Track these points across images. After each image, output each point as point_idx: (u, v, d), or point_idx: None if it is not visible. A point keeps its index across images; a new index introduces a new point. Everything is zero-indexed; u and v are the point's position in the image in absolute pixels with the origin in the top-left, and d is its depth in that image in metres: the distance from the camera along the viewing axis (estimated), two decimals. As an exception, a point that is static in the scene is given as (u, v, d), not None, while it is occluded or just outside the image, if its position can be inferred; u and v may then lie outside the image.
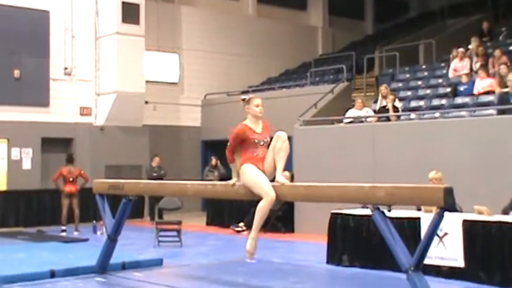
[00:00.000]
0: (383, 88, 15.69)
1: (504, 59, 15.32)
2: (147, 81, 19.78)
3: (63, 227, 15.39)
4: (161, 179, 16.21)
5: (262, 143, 7.41)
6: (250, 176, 7.29)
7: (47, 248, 12.00)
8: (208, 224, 17.50)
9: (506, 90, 13.53)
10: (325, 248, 10.95)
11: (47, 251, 11.46)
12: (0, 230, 16.17)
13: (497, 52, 15.77)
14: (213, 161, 19.21)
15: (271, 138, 7.43)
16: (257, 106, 7.44)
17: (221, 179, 7.25)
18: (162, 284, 8.96)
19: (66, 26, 18.95)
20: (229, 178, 7.71)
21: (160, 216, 15.86)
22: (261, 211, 7.21)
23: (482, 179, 12.18)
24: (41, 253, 11.21)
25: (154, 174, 17.56)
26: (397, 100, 15.34)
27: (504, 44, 17.45)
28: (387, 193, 6.40)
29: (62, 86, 18.78)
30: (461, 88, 15.01)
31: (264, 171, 7.31)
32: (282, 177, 7.28)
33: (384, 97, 15.36)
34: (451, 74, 16.48)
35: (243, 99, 7.56)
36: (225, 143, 7.61)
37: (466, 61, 16.28)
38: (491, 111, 13.37)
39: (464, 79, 15.29)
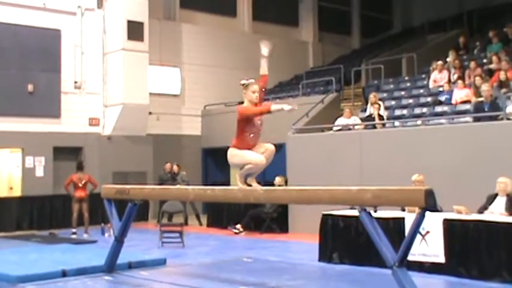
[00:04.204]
0: (372, 96, 15.67)
1: (479, 70, 15.35)
2: (150, 94, 19.77)
3: (74, 230, 15.34)
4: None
5: (259, 122, 7.40)
6: (238, 155, 7.25)
7: (59, 250, 11.97)
8: (208, 225, 17.45)
9: (480, 99, 13.58)
10: (317, 246, 10.94)
11: (59, 252, 11.43)
12: (15, 233, 16.13)
13: (472, 64, 15.80)
14: (167, 166, 18.15)
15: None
16: (254, 92, 7.40)
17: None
18: (166, 282, 8.96)
19: (76, 43, 18.96)
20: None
21: (170, 219, 15.84)
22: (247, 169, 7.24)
23: (461, 180, 12.19)
24: (53, 254, 11.18)
25: (169, 180, 17.48)
26: (382, 109, 15.37)
27: (478, 57, 17.47)
28: (373, 195, 6.41)
29: (72, 99, 18.77)
30: (443, 98, 15.03)
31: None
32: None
33: (373, 104, 15.36)
34: (431, 85, 16.51)
35: (242, 84, 7.46)
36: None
37: (445, 73, 16.33)
38: (468, 118, 13.41)
39: (446, 88, 15.32)
